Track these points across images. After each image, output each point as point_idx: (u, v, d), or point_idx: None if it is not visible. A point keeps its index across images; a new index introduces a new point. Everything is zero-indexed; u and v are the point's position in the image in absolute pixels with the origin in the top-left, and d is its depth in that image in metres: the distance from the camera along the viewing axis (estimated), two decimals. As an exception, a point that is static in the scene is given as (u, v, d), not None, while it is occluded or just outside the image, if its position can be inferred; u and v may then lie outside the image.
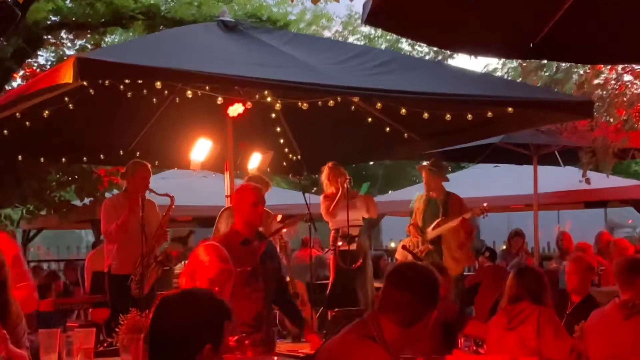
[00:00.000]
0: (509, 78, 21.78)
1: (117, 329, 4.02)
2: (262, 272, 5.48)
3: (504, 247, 12.62)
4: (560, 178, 12.68)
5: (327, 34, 27.27)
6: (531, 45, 4.84)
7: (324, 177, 8.61)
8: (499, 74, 24.33)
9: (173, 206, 7.45)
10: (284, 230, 8.16)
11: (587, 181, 10.62)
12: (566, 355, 4.93)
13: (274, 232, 7.80)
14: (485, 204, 8.32)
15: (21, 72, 13.18)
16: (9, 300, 3.80)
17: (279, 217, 7.99)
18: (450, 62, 22.65)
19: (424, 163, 8.83)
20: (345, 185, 8.30)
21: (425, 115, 7.63)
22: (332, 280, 8.60)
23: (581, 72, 11.94)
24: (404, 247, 8.51)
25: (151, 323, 2.82)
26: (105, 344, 4.49)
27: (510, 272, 5.48)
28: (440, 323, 5.51)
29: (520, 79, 12.25)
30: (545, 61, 10.72)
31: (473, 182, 14.14)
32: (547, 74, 12.44)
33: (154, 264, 7.24)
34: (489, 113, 7.52)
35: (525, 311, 5.00)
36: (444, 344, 5.12)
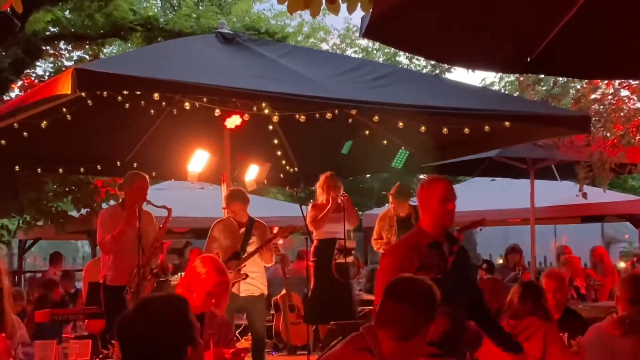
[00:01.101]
0: (506, 92, 21.85)
1: (112, 341, 4.01)
2: (452, 282, 4.48)
3: (501, 261, 12.61)
4: (557, 192, 12.69)
5: (324, 46, 27.39)
6: (528, 59, 4.84)
7: (318, 185, 8.59)
8: (496, 88, 24.42)
9: (170, 218, 7.44)
10: (280, 241, 8.15)
11: (584, 196, 10.62)
12: None
13: (266, 242, 7.79)
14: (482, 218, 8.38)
15: (19, 83, 13.16)
16: (4, 309, 3.78)
17: (276, 229, 7.99)
18: (448, 75, 22.74)
19: (391, 191, 8.92)
20: (339, 200, 8.29)
21: (423, 128, 7.65)
22: (315, 293, 8.49)
23: (578, 87, 11.96)
24: None
25: (122, 347, 2.69)
26: (100, 356, 4.48)
27: (509, 286, 5.44)
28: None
29: (518, 93, 12.26)
30: (542, 76, 10.74)
31: (469, 196, 14.13)
32: (544, 88, 12.47)
33: (150, 275, 7.22)
34: (486, 127, 7.53)
35: (530, 327, 4.93)
36: None
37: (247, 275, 7.69)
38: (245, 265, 7.71)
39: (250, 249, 7.83)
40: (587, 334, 5.03)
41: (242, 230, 7.89)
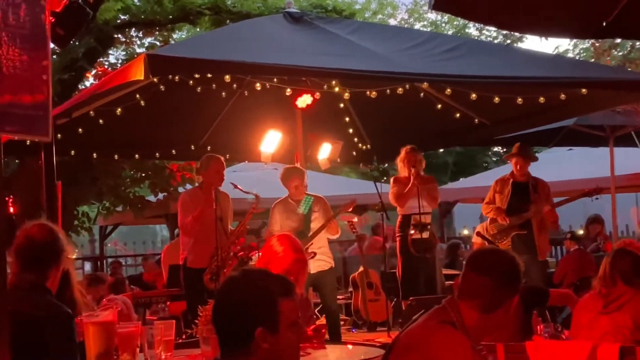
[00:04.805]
0: (581, 59, 21.39)
1: (195, 321, 4.06)
2: None
3: (581, 232, 12.39)
4: (637, 159, 12.38)
5: (392, 22, 27.20)
6: (604, 24, 4.72)
7: (398, 159, 8.51)
8: (570, 55, 23.86)
9: (258, 204, 7.52)
10: (355, 219, 8.14)
11: (666, 161, 10.37)
12: None
13: (330, 218, 7.80)
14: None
15: (93, 72, 13.41)
16: (74, 294, 3.85)
17: (350, 208, 7.98)
18: (520, 45, 22.32)
19: (512, 151, 8.54)
20: (415, 173, 8.21)
21: (496, 99, 7.54)
22: (402, 269, 8.46)
23: (656, 50, 11.65)
24: (478, 233, 8.40)
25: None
26: (184, 336, 4.54)
27: (597, 257, 5.31)
28: (525, 304, 5.33)
29: (593, 59, 11.99)
30: (618, 40, 10.47)
31: (547, 166, 13.92)
32: (620, 53, 12.17)
33: (233, 257, 7.29)
34: (562, 95, 7.39)
35: (623, 296, 4.77)
36: (525, 326, 4.99)
37: (315, 254, 7.71)
38: (312, 244, 7.74)
39: (313, 225, 7.86)
40: None
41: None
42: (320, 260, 7.81)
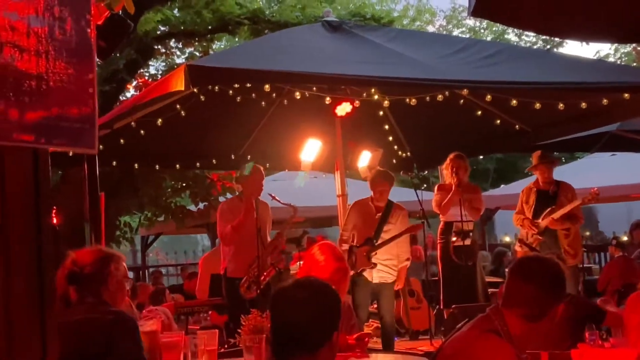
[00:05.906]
0: (623, 63, 21.13)
1: (238, 330, 4.07)
2: None
3: (625, 238, 12.23)
4: (682, 164, 12.21)
5: (431, 29, 27.15)
6: (646, 27, 4.66)
7: (443, 166, 8.48)
8: (611, 59, 23.63)
9: (296, 216, 7.54)
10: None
11: None
12: None
13: (399, 234, 7.77)
14: (595, 189, 8.11)
15: (134, 83, 13.54)
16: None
17: (417, 231, 7.98)
18: (560, 50, 22.13)
19: (533, 162, 8.56)
20: (456, 181, 8.15)
21: (537, 105, 7.47)
22: (443, 276, 8.41)
23: (700, 53, 11.45)
24: (520, 241, 8.35)
25: (272, 318, 2.72)
26: (227, 346, 4.56)
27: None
28: (580, 320, 5.28)
29: (635, 63, 11.83)
30: (661, 44, 10.33)
31: (589, 172, 13.79)
32: (663, 57, 11.98)
33: (270, 267, 7.31)
34: (604, 100, 7.30)
35: None
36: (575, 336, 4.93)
37: (375, 265, 7.69)
38: (376, 254, 7.72)
39: (386, 235, 7.83)
40: None
41: (379, 215, 7.89)
42: (383, 272, 7.80)
